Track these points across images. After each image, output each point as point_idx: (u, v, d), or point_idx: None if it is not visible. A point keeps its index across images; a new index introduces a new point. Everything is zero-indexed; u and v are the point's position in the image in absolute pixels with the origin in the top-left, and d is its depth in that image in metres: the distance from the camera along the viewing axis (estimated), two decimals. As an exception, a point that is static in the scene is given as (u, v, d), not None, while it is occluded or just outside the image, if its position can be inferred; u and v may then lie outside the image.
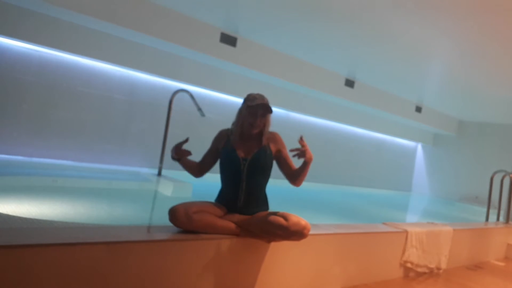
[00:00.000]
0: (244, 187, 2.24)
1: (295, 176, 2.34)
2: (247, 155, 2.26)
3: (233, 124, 2.36)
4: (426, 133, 9.41)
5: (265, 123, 2.29)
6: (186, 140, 2.34)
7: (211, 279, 2.06)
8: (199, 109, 4.55)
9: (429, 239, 3.44)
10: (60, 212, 2.70)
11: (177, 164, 2.41)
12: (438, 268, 3.58)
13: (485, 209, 5.37)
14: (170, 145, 4.58)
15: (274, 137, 2.37)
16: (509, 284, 3.68)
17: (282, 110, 6.43)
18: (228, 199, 2.28)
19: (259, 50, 5.26)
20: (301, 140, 2.20)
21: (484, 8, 3.29)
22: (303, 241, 2.16)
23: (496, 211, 5.39)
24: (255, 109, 2.23)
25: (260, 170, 2.28)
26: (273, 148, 2.34)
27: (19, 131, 4.16)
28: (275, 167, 2.40)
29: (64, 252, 1.59)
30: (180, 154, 2.34)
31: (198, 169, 2.44)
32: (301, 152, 2.18)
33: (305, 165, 2.26)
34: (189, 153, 2.35)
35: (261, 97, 2.27)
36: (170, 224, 2.03)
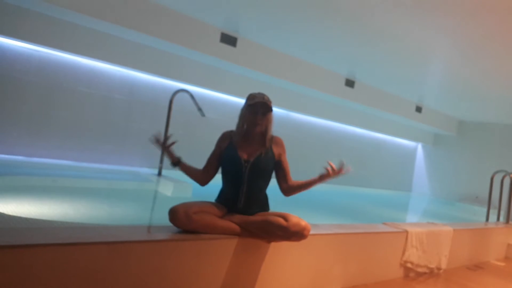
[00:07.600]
0: (245, 189, 2.24)
1: (291, 189, 2.37)
2: (249, 157, 2.25)
3: (237, 126, 2.34)
4: (426, 133, 9.40)
5: (267, 122, 2.28)
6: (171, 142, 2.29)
7: (211, 279, 2.06)
8: (199, 109, 4.55)
9: (429, 239, 3.44)
10: (60, 212, 2.70)
11: (177, 164, 2.40)
12: (438, 268, 3.58)
13: (485, 209, 5.37)
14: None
15: (277, 141, 2.37)
16: (509, 284, 3.67)
17: (282, 110, 6.42)
18: (228, 200, 2.28)
19: (259, 50, 5.26)
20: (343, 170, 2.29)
21: (484, 8, 3.29)
22: (303, 241, 2.16)
23: (496, 211, 5.39)
24: (255, 108, 2.24)
25: (262, 173, 2.28)
26: (275, 151, 2.34)
27: (19, 131, 4.16)
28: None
29: (64, 252, 1.59)
30: (168, 151, 2.29)
31: (201, 176, 2.35)
32: (334, 172, 2.27)
33: (311, 184, 2.32)
34: (171, 143, 2.30)
35: (261, 95, 2.26)
36: (170, 224, 2.03)
